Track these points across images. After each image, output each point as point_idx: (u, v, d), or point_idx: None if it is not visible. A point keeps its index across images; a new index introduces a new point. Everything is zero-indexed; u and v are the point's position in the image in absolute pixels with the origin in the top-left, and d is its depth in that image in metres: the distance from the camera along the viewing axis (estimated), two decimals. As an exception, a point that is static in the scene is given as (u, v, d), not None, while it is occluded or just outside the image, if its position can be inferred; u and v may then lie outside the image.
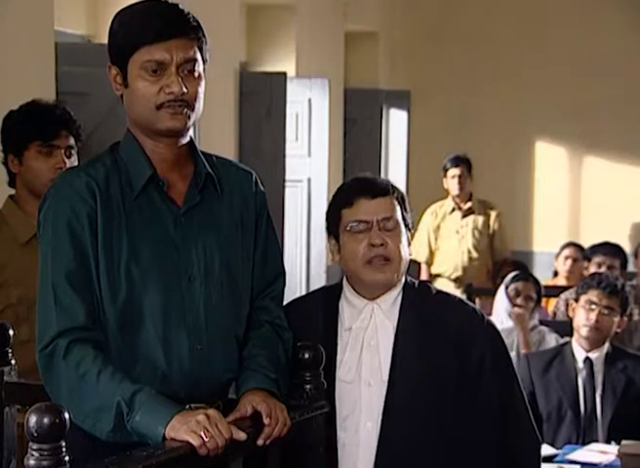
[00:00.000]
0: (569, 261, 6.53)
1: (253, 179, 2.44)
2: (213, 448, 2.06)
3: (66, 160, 3.14)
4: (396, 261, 2.59)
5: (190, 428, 2.05)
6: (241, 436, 2.13)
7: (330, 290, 2.74)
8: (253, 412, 2.23)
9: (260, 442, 2.22)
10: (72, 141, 3.18)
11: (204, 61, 2.30)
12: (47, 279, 2.21)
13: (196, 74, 2.26)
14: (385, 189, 2.62)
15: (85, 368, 2.13)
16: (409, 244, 2.66)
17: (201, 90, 2.28)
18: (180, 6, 2.28)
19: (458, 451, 2.58)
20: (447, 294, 2.77)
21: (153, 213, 2.27)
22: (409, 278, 2.70)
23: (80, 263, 2.20)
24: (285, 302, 2.57)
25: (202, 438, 2.04)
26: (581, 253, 6.36)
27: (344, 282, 2.69)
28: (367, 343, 2.61)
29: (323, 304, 2.68)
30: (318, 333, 2.60)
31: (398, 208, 2.62)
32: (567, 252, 6.58)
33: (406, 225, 2.65)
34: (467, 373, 2.59)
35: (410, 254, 2.67)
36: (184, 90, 2.22)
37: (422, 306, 2.64)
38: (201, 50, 2.28)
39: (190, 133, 2.35)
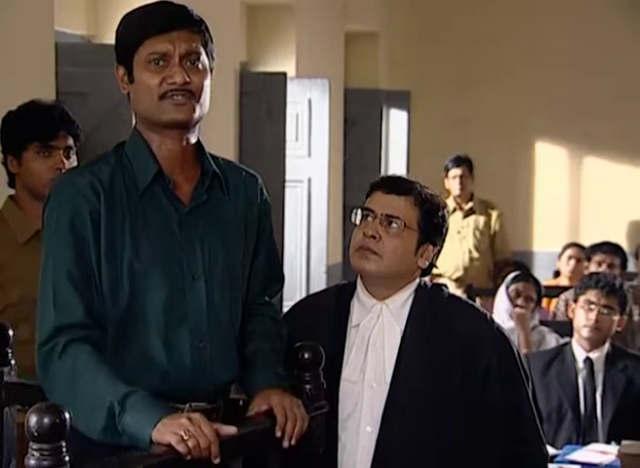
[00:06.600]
0: (572, 262, 6.52)
1: (259, 185, 2.45)
2: (194, 447, 2.02)
3: (65, 161, 3.13)
4: (386, 258, 2.57)
5: (172, 430, 2.03)
6: (231, 430, 2.12)
7: (343, 288, 2.73)
8: (268, 410, 2.26)
9: (285, 444, 2.26)
10: (71, 142, 3.17)
11: (211, 58, 2.30)
12: (48, 276, 2.21)
13: (200, 66, 2.26)
14: (403, 189, 2.61)
15: (81, 367, 2.13)
16: (429, 256, 2.67)
17: (207, 83, 2.28)
18: (184, 4, 2.30)
19: (459, 461, 2.55)
20: (459, 299, 2.75)
21: (158, 211, 2.27)
22: (422, 280, 2.69)
23: (81, 262, 2.20)
24: (292, 303, 2.59)
25: (182, 438, 2.01)
26: (584, 253, 6.35)
27: (358, 280, 2.68)
28: (372, 344, 2.60)
29: (335, 302, 2.68)
30: (328, 331, 2.61)
31: (416, 214, 2.60)
32: (570, 252, 6.57)
33: (428, 238, 2.63)
34: (472, 382, 2.56)
35: (428, 266, 2.68)
36: (187, 79, 2.22)
37: (432, 310, 2.62)
38: (206, 45, 2.29)
39: (197, 133, 2.35)
